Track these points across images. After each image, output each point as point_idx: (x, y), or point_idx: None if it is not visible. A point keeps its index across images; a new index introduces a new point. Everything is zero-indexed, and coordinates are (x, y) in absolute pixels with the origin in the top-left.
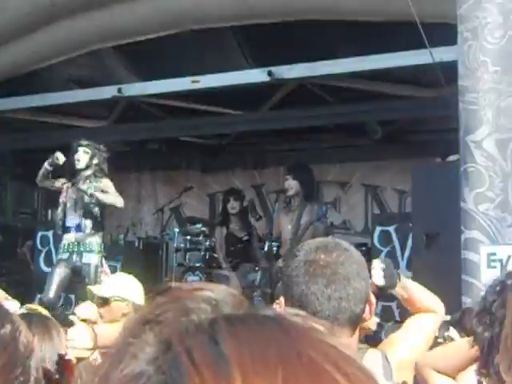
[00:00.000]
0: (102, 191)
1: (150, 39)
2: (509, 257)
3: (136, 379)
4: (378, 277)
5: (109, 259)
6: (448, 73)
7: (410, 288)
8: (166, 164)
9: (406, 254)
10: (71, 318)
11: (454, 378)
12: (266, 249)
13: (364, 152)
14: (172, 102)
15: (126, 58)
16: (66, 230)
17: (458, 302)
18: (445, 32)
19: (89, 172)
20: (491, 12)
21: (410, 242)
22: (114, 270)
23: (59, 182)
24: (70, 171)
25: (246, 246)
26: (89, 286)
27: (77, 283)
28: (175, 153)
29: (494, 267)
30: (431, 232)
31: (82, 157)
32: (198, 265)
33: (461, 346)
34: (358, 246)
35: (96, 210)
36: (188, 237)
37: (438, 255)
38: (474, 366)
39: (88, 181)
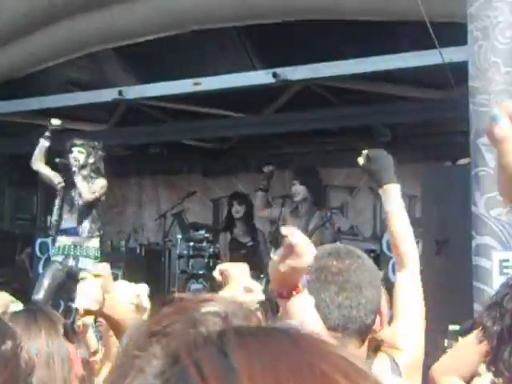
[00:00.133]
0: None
1: (151, 40)
2: None
3: None
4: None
5: (110, 266)
6: (458, 74)
7: (389, 202)
8: (168, 168)
9: None
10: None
11: (471, 378)
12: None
13: None
14: (173, 104)
15: (126, 60)
16: (61, 232)
17: (470, 310)
18: (454, 31)
19: (85, 172)
20: (502, 11)
21: (419, 249)
22: (115, 278)
23: (56, 178)
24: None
25: (250, 252)
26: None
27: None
28: (177, 157)
29: (507, 274)
30: (441, 238)
31: (78, 157)
32: (201, 272)
33: (468, 343)
34: (367, 252)
35: (93, 212)
36: (191, 243)
37: (449, 262)
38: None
39: (85, 181)
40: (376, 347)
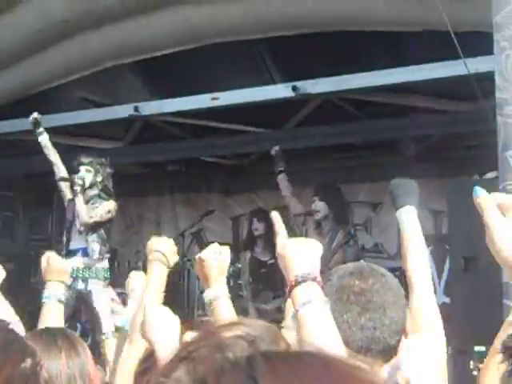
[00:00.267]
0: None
1: (167, 55)
2: None
3: None
4: None
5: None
6: (484, 85)
7: (402, 225)
8: (186, 186)
9: (443, 278)
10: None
11: None
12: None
13: (396, 170)
14: (191, 120)
15: (142, 75)
16: (70, 253)
17: (499, 330)
18: (479, 41)
19: (94, 191)
20: None
21: (446, 266)
22: None
23: (67, 187)
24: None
25: (271, 271)
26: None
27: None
28: (195, 174)
29: None
30: (469, 254)
31: (86, 176)
32: None
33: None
34: (391, 270)
35: (102, 233)
36: None
37: (477, 279)
38: None
39: (91, 202)
40: None
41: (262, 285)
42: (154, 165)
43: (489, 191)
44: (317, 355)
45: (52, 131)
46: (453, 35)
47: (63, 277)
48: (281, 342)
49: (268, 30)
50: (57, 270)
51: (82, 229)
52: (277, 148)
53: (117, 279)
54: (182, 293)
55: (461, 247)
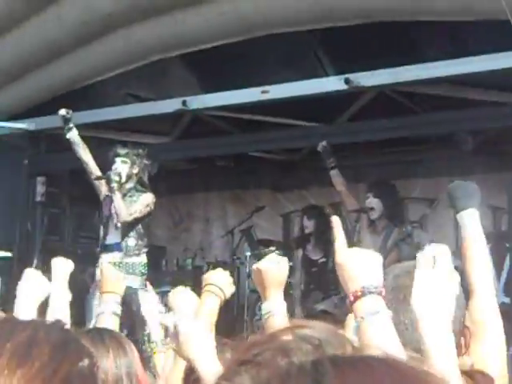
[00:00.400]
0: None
1: (216, 47)
2: None
3: None
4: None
5: (175, 286)
6: None
7: (463, 228)
8: (235, 182)
9: (503, 277)
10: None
11: None
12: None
13: (453, 165)
14: (240, 114)
15: (190, 69)
16: (106, 248)
17: None
18: None
19: (130, 184)
20: None
21: (506, 264)
22: None
23: (101, 186)
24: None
25: (322, 270)
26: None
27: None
28: (244, 170)
29: None
30: None
31: (122, 168)
32: None
33: None
34: None
35: (139, 227)
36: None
37: None
38: None
39: (128, 195)
40: (469, 374)
41: (313, 284)
42: (202, 160)
43: None
44: (384, 360)
45: (96, 126)
46: None
47: (118, 288)
48: (347, 346)
49: (320, 20)
50: (111, 282)
51: (119, 224)
52: (324, 144)
53: (164, 278)
54: None
55: None
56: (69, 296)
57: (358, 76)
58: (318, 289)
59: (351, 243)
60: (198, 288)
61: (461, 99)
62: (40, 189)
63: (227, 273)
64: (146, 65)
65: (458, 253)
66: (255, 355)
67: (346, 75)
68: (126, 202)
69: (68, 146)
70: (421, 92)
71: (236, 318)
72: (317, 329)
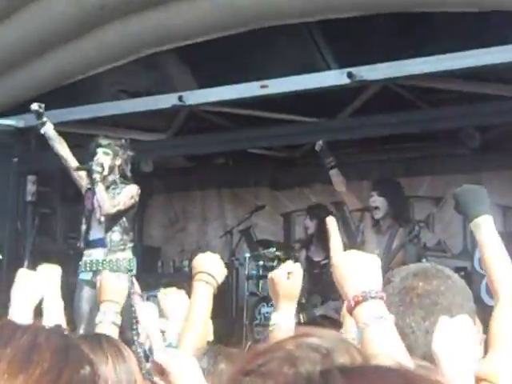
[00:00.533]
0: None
1: (212, 41)
2: None
3: None
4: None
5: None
6: None
7: (482, 237)
8: (233, 180)
9: None
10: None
11: None
12: None
13: (460, 162)
14: (239, 110)
15: (186, 63)
16: (89, 244)
17: None
18: None
19: (113, 176)
20: None
21: None
22: None
23: (82, 180)
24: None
25: (324, 272)
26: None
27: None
28: (243, 167)
29: None
30: None
31: (104, 160)
32: None
33: None
34: (456, 270)
35: (124, 221)
36: (260, 262)
37: None
38: None
39: (111, 188)
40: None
41: (315, 287)
42: (200, 157)
43: None
44: (394, 369)
45: (89, 123)
46: None
47: (117, 297)
48: (356, 355)
49: (320, 12)
50: (111, 290)
51: (102, 218)
52: (320, 143)
53: (160, 280)
54: (230, 294)
55: None
56: (61, 304)
57: (361, 70)
58: (318, 292)
59: (355, 243)
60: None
61: (468, 93)
62: (30, 188)
63: (217, 256)
64: (140, 59)
65: (465, 253)
66: (260, 365)
67: (349, 69)
68: (109, 195)
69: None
70: (426, 86)
71: (235, 321)
72: (324, 337)
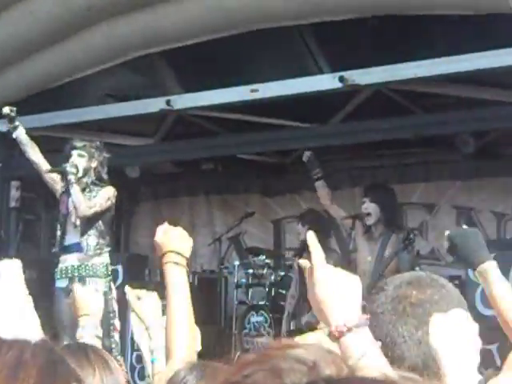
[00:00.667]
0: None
1: (201, 43)
2: None
3: None
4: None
5: (160, 298)
6: None
7: (492, 284)
8: (223, 186)
9: None
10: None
11: None
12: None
13: (454, 169)
14: (228, 114)
15: (174, 66)
16: (64, 249)
17: None
18: None
19: (88, 179)
20: None
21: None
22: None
23: (51, 178)
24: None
25: None
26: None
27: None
28: (232, 173)
29: None
30: None
31: (78, 162)
32: (262, 303)
33: None
34: (450, 279)
35: (100, 224)
36: (250, 270)
37: None
38: None
39: (87, 191)
40: None
41: (303, 295)
42: (188, 163)
43: None
44: (380, 380)
45: (74, 127)
46: None
47: (93, 309)
48: (342, 367)
49: (313, 15)
50: (85, 305)
51: (77, 222)
52: (308, 153)
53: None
54: (219, 303)
55: None
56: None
57: (353, 74)
58: (305, 300)
59: (346, 250)
60: None
61: (462, 98)
62: (14, 194)
63: (180, 229)
64: (128, 63)
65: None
66: (245, 376)
67: (341, 73)
68: (85, 197)
69: (44, 148)
70: (420, 91)
71: (223, 331)
72: (310, 349)
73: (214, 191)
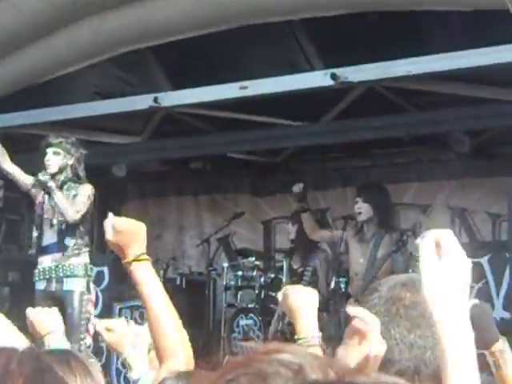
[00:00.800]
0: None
1: (190, 39)
2: None
3: None
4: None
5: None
6: None
7: (507, 362)
8: (212, 186)
9: (503, 290)
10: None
11: None
12: (332, 286)
13: (448, 168)
14: (217, 112)
15: (162, 62)
16: (42, 250)
17: None
18: None
19: (64, 176)
20: None
21: (507, 276)
22: None
23: (28, 181)
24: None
25: (303, 280)
26: None
27: None
28: (222, 173)
29: None
30: None
31: (53, 159)
32: (251, 306)
33: None
34: None
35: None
36: (239, 272)
37: None
38: None
39: (64, 189)
40: None
41: None
42: (176, 162)
43: None
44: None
45: (59, 125)
46: None
47: (52, 326)
48: (329, 371)
49: (306, 10)
50: (41, 326)
51: (54, 221)
52: (301, 186)
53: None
54: (207, 306)
55: None
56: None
57: (346, 71)
58: None
59: (337, 252)
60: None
61: (457, 96)
62: None
63: (127, 219)
64: (115, 60)
65: None
66: (229, 381)
67: (333, 70)
68: (69, 202)
69: (29, 146)
70: (413, 88)
71: (212, 334)
72: (296, 353)
73: (202, 191)
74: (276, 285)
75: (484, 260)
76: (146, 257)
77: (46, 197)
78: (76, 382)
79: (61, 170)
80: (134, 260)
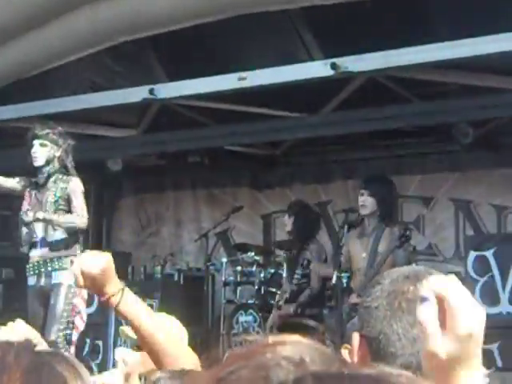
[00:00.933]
0: (68, 199)
1: (187, 29)
2: None
3: None
4: None
5: (143, 297)
6: None
7: None
8: (209, 180)
9: (509, 284)
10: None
11: None
12: (333, 281)
13: (451, 160)
14: (215, 104)
15: (158, 53)
16: (32, 245)
17: None
18: None
19: (52, 167)
20: None
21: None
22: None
23: (16, 183)
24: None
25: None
26: (122, 327)
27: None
28: (220, 166)
29: None
30: None
31: (40, 151)
32: (251, 302)
33: None
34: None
35: None
36: (238, 267)
37: None
38: None
39: (53, 182)
40: None
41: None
42: (173, 156)
43: None
44: (377, 378)
45: (53, 118)
46: None
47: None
48: (331, 364)
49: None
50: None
51: (41, 216)
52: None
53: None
54: (206, 302)
55: None
56: None
57: (346, 60)
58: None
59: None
60: (166, 298)
61: (461, 86)
62: None
63: (97, 254)
64: (111, 50)
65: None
66: (230, 372)
67: (333, 60)
68: (49, 188)
69: (20, 141)
70: (416, 78)
71: (211, 331)
72: (298, 346)
73: (200, 185)
74: (276, 280)
75: (489, 253)
76: (121, 286)
77: (33, 192)
78: (66, 382)
79: (48, 162)
80: (113, 296)
